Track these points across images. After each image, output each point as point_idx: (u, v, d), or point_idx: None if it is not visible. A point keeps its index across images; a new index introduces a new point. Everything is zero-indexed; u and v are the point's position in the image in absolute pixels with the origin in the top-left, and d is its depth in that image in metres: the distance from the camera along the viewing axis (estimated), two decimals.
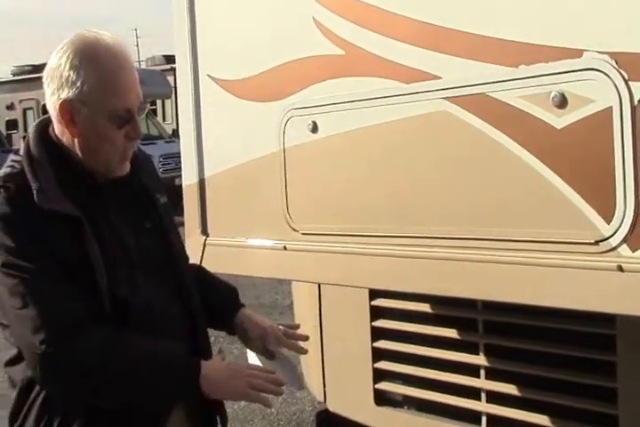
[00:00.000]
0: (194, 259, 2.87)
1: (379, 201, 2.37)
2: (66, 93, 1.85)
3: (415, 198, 2.28)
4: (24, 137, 1.99)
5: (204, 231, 2.87)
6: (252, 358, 2.19)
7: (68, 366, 1.77)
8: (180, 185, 2.97)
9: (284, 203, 2.59)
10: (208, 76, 2.83)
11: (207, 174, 2.84)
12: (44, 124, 1.98)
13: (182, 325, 2.01)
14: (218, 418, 2.12)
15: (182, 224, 3.06)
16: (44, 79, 1.90)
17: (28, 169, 1.87)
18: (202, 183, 2.86)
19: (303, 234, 2.56)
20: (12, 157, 1.94)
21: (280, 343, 2.15)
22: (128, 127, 1.89)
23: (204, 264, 2.85)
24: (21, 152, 1.93)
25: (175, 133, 20.64)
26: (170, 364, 1.85)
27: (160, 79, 20.40)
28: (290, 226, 2.59)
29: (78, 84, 1.84)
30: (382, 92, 2.30)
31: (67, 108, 1.86)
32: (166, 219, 2.09)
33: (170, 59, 23.65)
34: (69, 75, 1.84)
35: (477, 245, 2.11)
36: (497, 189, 2.07)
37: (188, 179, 2.89)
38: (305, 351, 2.21)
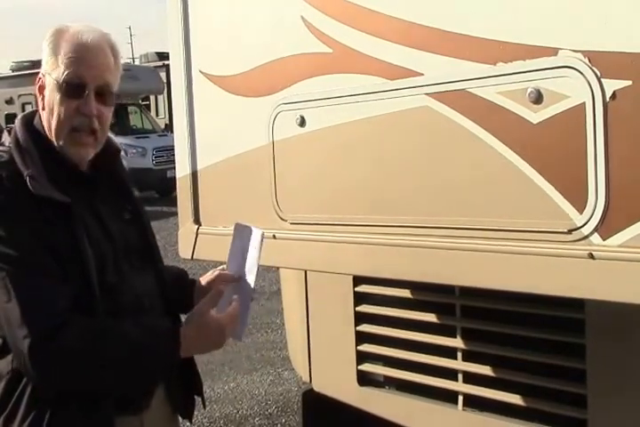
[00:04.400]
0: (187, 246, 2.88)
1: (362, 192, 2.36)
2: (42, 69, 1.91)
3: (397, 190, 2.27)
4: (9, 129, 1.97)
5: (197, 221, 2.86)
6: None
7: (54, 360, 1.72)
8: (172, 177, 2.95)
9: (274, 194, 2.58)
10: (200, 72, 2.81)
11: (200, 166, 2.83)
12: (30, 117, 1.96)
13: (162, 305, 2.02)
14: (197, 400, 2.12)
15: (175, 214, 3.05)
16: None
17: (17, 157, 1.84)
18: (194, 175, 2.85)
19: (291, 224, 2.56)
20: None
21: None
22: (80, 102, 1.87)
23: (196, 252, 2.86)
24: (7, 142, 1.90)
25: (167, 127, 20.58)
26: (153, 336, 1.82)
27: (153, 75, 20.29)
28: (279, 216, 2.58)
29: (46, 58, 1.89)
30: (367, 88, 2.30)
31: (39, 81, 1.92)
32: (142, 210, 2.09)
33: (162, 56, 23.52)
34: (44, 54, 1.89)
35: (457, 234, 2.12)
36: (476, 181, 2.07)
37: (182, 171, 2.88)
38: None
